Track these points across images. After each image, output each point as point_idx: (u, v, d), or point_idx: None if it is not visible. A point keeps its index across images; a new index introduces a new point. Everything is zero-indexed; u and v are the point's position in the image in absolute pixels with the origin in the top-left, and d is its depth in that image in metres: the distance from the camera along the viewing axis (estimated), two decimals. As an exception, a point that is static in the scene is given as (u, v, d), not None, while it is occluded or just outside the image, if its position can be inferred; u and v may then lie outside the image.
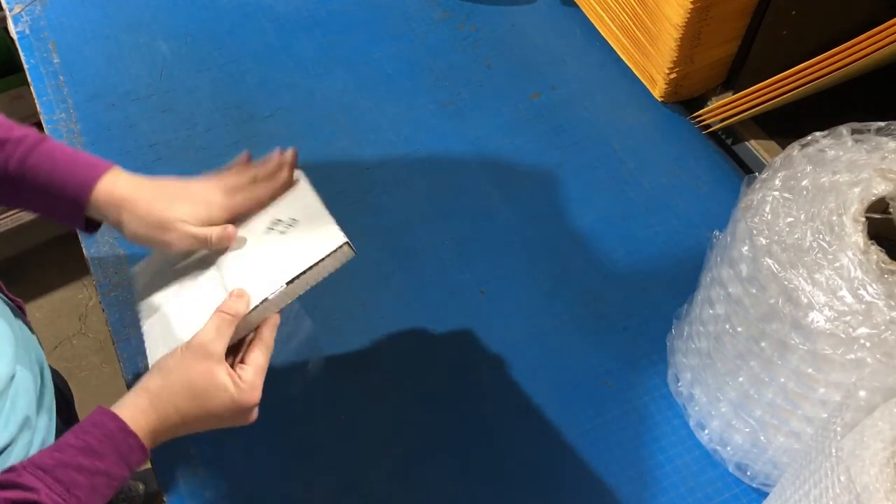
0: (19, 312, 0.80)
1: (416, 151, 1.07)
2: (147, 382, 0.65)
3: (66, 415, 0.90)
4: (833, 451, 0.55)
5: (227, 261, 0.74)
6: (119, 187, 0.72)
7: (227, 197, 0.74)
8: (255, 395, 0.66)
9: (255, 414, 0.68)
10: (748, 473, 0.79)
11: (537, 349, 0.89)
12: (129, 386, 0.79)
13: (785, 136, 1.04)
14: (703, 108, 1.09)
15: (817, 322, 0.62)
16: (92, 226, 0.75)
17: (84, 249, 0.95)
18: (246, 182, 0.75)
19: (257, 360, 0.67)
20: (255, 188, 0.75)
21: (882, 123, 0.71)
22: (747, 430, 0.75)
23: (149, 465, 0.75)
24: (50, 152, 0.72)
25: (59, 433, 0.77)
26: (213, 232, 0.72)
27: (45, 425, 0.76)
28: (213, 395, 0.64)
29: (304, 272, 0.69)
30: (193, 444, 0.80)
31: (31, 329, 0.81)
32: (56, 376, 0.86)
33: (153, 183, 0.73)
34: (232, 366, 0.66)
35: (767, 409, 0.72)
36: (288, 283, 0.69)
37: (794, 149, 0.72)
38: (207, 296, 0.72)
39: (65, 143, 0.75)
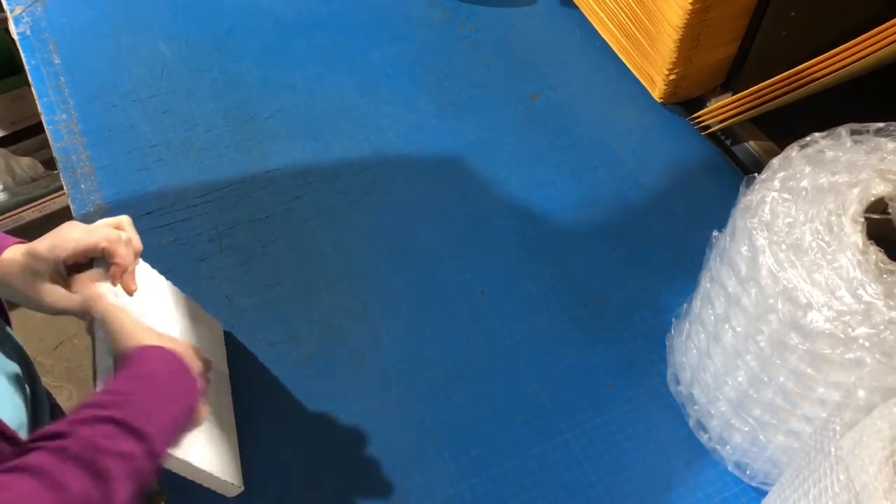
0: None
1: (416, 151, 1.07)
2: None
3: None
4: (832, 450, 0.55)
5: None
6: (20, 256, 0.68)
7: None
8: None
9: None
10: (747, 472, 0.79)
11: (537, 349, 0.89)
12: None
13: (784, 137, 1.03)
14: (702, 109, 1.09)
15: (816, 322, 0.62)
16: None
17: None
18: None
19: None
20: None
21: (881, 124, 0.71)
22: (746, 429, 0.75)
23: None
24: None
25: None
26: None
27: None
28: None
29: None
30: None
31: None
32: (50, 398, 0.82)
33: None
34: None
35: (767, 408, 0.72)
36: None
37: (793, 149, 0.72)
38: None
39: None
